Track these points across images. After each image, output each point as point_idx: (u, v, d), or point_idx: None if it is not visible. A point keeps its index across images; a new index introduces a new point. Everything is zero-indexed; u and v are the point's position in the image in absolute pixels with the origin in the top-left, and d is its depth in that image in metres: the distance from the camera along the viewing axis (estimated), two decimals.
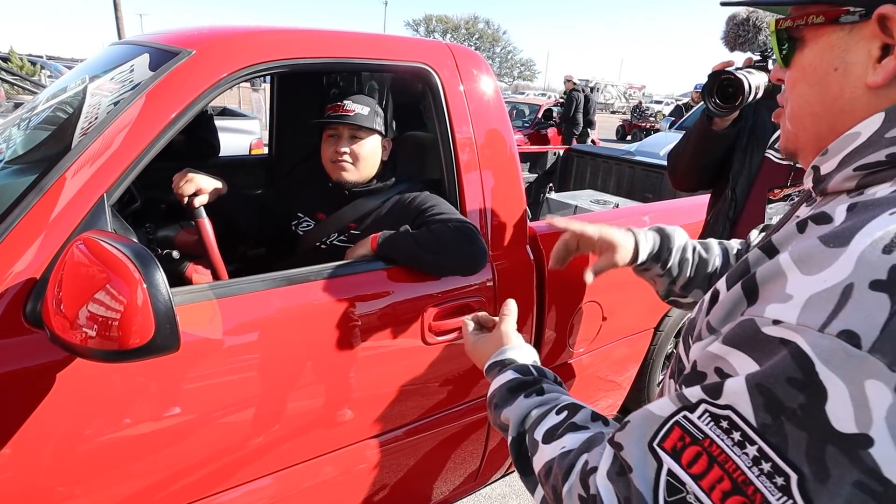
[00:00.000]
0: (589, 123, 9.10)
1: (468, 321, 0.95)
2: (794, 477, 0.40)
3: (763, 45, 1.67)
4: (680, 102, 12.68)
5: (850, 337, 0.38)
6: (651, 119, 18.71)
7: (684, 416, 0.47)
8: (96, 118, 1.17)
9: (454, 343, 1.53)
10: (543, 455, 0.63)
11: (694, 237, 1.79)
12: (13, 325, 0.97)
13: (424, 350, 1.48)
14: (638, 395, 2.34)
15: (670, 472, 0.46)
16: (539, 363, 0.82)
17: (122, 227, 1.22)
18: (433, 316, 1.47)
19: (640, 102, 23.33)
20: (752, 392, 0.42)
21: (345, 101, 1.58)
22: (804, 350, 0.40)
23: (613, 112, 35.85)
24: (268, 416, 1.29)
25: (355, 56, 1.44)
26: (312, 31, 1.42)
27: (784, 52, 0.60)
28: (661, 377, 2.37)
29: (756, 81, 1.43)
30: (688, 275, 1.06)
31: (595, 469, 0.53)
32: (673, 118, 10.92)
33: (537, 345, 1.75)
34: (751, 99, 1.44)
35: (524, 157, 3.96)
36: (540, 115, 10.40)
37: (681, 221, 2.12)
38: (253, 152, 5.64)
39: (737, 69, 1.47)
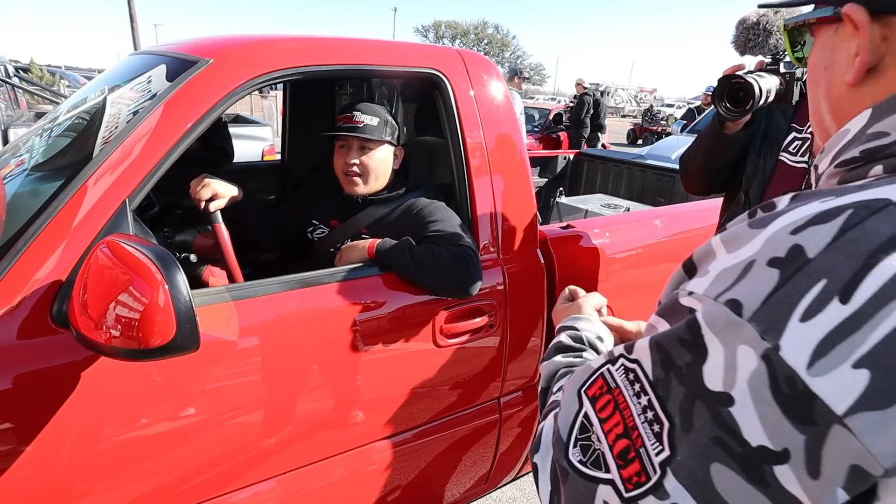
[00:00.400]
0: (599, 128, 9.08)
1: (567, 289, 1.02)
2: (666, 425, 0.44)
3: (774, 48, 1.67)
4: (692, 105, 12.61)
5: (735, 305, 0.41)
6: (662, 123, 18.63)
7: (607, 369, 0.52)
8: (116, 127, 1.21)
9: (465, 346, 1.54)
10: (549, 400, 0.70)
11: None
12: (40, 326, 1.01)
13: (436, 353, 1.50)
14: None
15: (585, 415, 0.52)
16: (611, 344, 0.86)
17: (142, 232, 1.25)
18: (444, 319, 1.49)
19: (652, 106, 23.24)
20: (652, 349, 0.47)
21: (354, 112, 1.58)
22: (697, 315, 0.43)
23: (624, 116, 35.73)
24: (280, 417, 1.31)
25: (367, 63, 1.47)
26: (326, 39, 1.45)
27: (797, 52, 0.61)
28: None
29: (767, 85, 1.43)
30: None
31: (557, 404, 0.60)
32: (685, 121, 10.88)
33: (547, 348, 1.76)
34: (762, 102, 1.43)
35: (534, 161, 3.97)
36: (550, 119, 10.40)
37: (692, 225, 2.13)
38: (265, 158, 5.70)
39: (748, 73, 1.47)
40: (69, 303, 0.95)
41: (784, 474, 0.38)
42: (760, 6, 0.73)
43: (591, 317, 0.90)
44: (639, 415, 0.46)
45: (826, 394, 0.36)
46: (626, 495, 0.45)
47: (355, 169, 1.59)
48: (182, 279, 0.90)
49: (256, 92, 2.32)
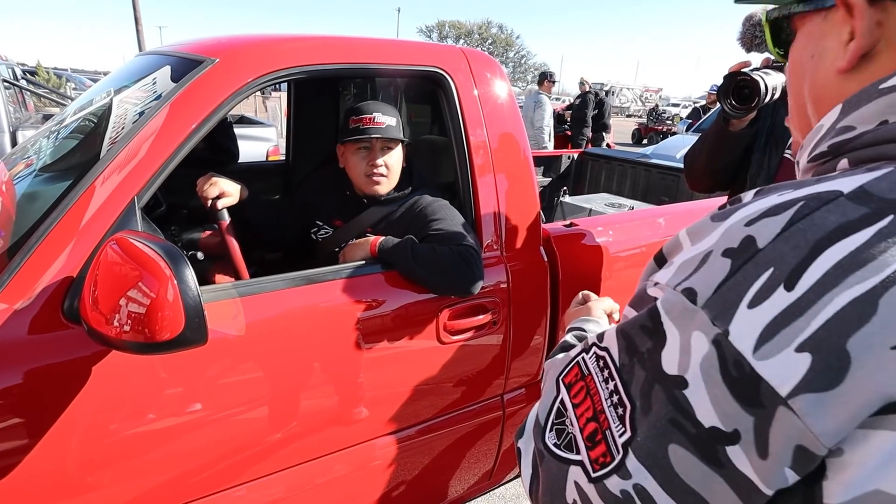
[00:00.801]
0: (604, 127, 9.05)
1: (581, 294, 1.05)
2: (629, 408, 0.46)
3: None
4: (697, 105, 12.57)
5: (690, 293, 0.43)
6: (668, 122, 18.59)
7: (582, 357, 0.54)
8: (123, 128, 1.23)
9: (469, 343, 1.56)
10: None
11: None
12: (52, 321, 1.03)
13: (439, 349, 1.51)
14: None
15: (562, 401, 0.54)
16: None
17: (150, 229, 1.27)
18: (448, 316, 1.50)
19: (657, 105, 23.16)
20: (619, 337, 0.49)
21: (375, 113, 1.58)
22: (657, 303, 0.46)
23: (629, 116, 35.65)
24: (285, 412, 1.33)
25: (371, 61, 1.49)
26: (330, 38, 1.47)
27: (777, 47, 0.61)
28: None
29: (773, 82, 1.43)
30: None
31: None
32: (690, 120, 10.84)
33: (551, 345, 1.77)
34: (767, 100, 1.43)
35: (538, 160, 3.97)
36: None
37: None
38: (270, 159, 5.73)
39: (754, 70, 1.47)
40: (80, 298, 0.97)
41: (736, 454, 0.40)
42: (737, 1, 0.74)
43: (599, 319, 0.92)
44: (606, 399, 0.48)
45: (771, 376, 0.38)
46: (593, 475, 0.47)
47: (382, 170, 1.60)
48: (190, 274, 0.92)
49: (258, 92, 2.34)
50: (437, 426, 1.61)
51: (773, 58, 1.55)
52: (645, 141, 17.83)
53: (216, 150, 2.24)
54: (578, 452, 0.50)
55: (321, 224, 1.75)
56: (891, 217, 0.38)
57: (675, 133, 13.72)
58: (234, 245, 1.51)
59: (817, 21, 0.54)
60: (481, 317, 1.57)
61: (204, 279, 1.68)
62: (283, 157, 3.06)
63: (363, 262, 1.46)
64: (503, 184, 1.64)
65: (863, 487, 0.37)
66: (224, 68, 1.27)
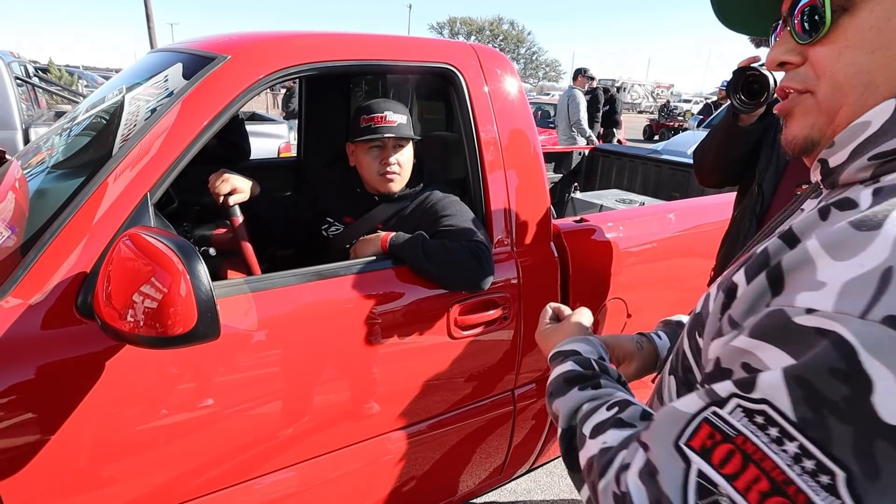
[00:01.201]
0: (615, 123, 9.01)
1: (549, 307, 0.93)
2: (840, 475, 0.37)
3: None
4: (709, 101, 12.49)
5: (894, 322, 0.37)
6: (679, 118, 18.47)
7: (713, 413, 0.44)
8: (135, 125, 1.24)
9: (479, 338, 1.56)
10: (588, 450, 0.60)
11: (720, 235, 1.80)
12: (65, 316, 1.04)
13: (450, 344, 1.52)
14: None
15: (700, 473, 0.43)
16: (608, 361, 0.78)
17: (163, 225, 1.28)
18: (459, 311, 1.50)
19: (668, 101, 23.02)
20: (790, 385, 0.40)
21: (386, 112, 1.58)
22: (847, 339, 0.38)
23: (641, 112, 35.44)
24: (297, 407, 1.34)
25: (382, 58, 1.49)
26: (341, 35, 1.47)
27: (820, 22, 0.53)
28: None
29: None
30: None
31: (628, 466, 0.51)
32: (701, 116, 10.77)
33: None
34: (776, 95, 1.43)
35: (549, 156, 3.96)
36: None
37: (707, 219, 2.12)
38: (281, 156, 5.75)
39: (762, 65, 1.46)
40: (94, 294, 0.98)
41: None
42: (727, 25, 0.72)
43: (589, 337, 0.82)
44: (790, 465, 0.39)
45: None
46: None
47: (395, 168, 1.60)
48: (203, 269, 0.92)
49: (269, 89, 2.34)
50: (449, 421, 1.61)
51: None
52: (656, 137, 17.72)
53: (228, 147, 2.26)
54: None
55: (332, 221, 1.76)
56: None
57: (686, 129, 13.62)
58: (245, 241, 1.52)
59: None
60: (492, 312, 1.57)
61: (216, 275, 1.69)
62: (294, 154, 3.07)
63: (374, 257, 1.46)
64: (514, 180, 1.63)
65: None
66: (236, 65, 1.28)
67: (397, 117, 1.59)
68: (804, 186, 1.59)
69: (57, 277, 1.05)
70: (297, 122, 2.67)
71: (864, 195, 0.46)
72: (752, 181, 1.71)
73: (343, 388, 1.39)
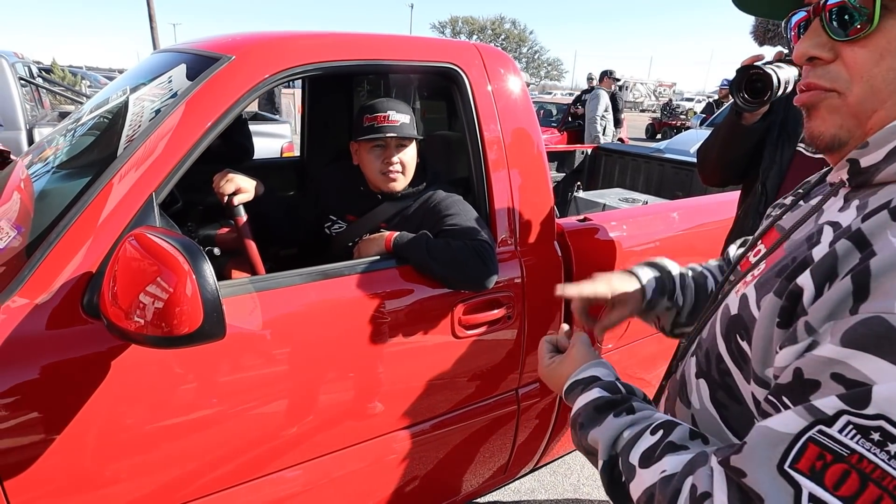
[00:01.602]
0: (617, 122, 9.00)
1: (545, 342, 0.89)
2: None
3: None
4: (711, 99, 12.45)
5: None
6: (682, 117, 18.41)
7: (819, 431, 0.41)
8: (140, 126, 1.24)
9: (483, 337, 1.56)
10: (643, 481, 0.56)
11: (724, 234, 1.80)
12: (71, 316, 1.04)
13: (454, 344, 1.52)
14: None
15: (813, 497, 0.40)
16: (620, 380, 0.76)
17: (168, 225, 1.28)
18: (463, 310, 1.50)
19: (671, 100, 22.95)
20: None
21: (389, 112, 1.58)
22: None
23: (643, 110, 35.38)
24: (302, 407, 1.34)
25: (385, 58, 1.49)
26: (345, 35, 1.47)
27: (860, 20, 0.51)
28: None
29: (785, 76, 1.42)
30: (691, 301, 0.97)
31: (708, 495, 0.47)
32: (704, 115, 10.75)
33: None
34: (780, 93, 1.43)
35: (552, 156, 3.96)
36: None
37: (711, 217, 2.12)
38: (284, 155, 5.76)
39: (766, 63, 1.46)
40: (100, 293, 0.98)
41: None
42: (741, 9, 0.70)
43: (602, 359, 0.79)
44: None
45: None
46: None
47: (398, 168, 1.61)
48: (208, 269, 0.93)
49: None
50: (453, 420, 1.61)
51: (785, 52, 1.54)
52: (659, 136, 17.70)
53: (232, 147, 2.26)
54: None
55: (335, 219, 1.76)
56: None
57: (688, 128, 13.59)
58: (250, 240, 1.52)
59: None
60: (496, 311, 1.57)
61: (220, 275, 1.70)
62: (297, 154, 3.08)
63: (378, 257, 1.46)
64: (517, 179, 1.63)
65: None
66: (240, 65, 1.28)
67: (400, 117, 1.59)
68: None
69: (63, 277, 1.05)
70: (298, 121, 2.68)
71: None
72: (756, 180, 1.71)
73: (347, 388, 1.40)
